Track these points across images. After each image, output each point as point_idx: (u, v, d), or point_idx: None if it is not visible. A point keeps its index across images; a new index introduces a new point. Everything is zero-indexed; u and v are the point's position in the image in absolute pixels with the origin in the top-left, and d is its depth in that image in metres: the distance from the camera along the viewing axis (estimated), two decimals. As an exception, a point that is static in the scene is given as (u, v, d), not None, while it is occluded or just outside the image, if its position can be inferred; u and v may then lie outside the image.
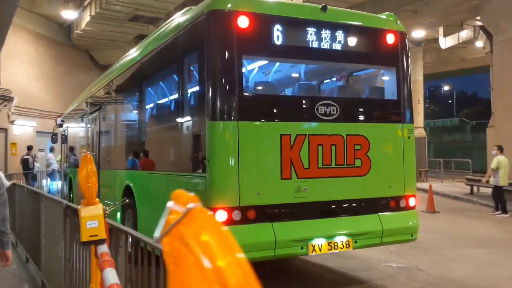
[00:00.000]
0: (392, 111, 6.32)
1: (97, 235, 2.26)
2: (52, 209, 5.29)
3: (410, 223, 6.25)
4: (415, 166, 6.42)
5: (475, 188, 19.66)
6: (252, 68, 6.83)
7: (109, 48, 27.72)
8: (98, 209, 2.29)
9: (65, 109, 17.53)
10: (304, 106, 5.82)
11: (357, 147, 5.90)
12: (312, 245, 5.56)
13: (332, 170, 5.77)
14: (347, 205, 5.91)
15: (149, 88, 8.27)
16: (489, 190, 18.62)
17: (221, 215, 5.17)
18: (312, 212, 5.70)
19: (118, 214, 8.69)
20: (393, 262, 7.75)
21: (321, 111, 5.71)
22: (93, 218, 2.23)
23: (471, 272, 7.16)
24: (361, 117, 6.12)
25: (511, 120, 16.67)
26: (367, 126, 6.06)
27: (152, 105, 8.13)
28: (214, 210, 5.16)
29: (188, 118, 6.11)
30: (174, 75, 6.56)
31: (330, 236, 5.66)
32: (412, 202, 6.30)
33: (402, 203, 6.23)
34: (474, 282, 6.63)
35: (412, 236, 6.30)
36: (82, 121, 13.17)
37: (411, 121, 6.35)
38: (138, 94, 8.04)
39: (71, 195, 14.23)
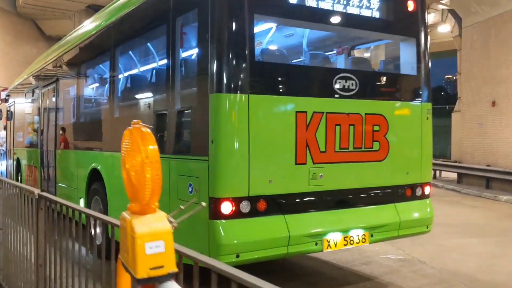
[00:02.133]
0: (411, 87, 5.63)
1: (162, 267, 1.35)
2: (14, 198, 4.23)
3: (426, 214, 5.64)
4: (432, 150, 5.78)
5: (437, 173, 19.74)
6: (264, 30, 5.90)
7: (57, 18, 25.61)
8: (161, 220, 1.40)
9: (11, 83, 15.84)
10: (322, 79, 5.00)
11: (376, 128, 5.17)
12: (327, 240, 4.81)
13: (349, 154, 5.01)
14: (363, 194, 5.20)
15: (127, 55, 7.16)
16: (451, 175, 18.73)
17: (227, 207, 4.31)
18: (327, 202, 4.95)
19: (82, 201, 7.61)
20: (390, 253, 7.18)
21: (340, 85, 4.92)
22: (155, 237, 1.34)
23: (476, 265, 6.69)
24: (380, 94, 5.38)
25: (479, 105, 16.62)
26: (386, 105, 5.33)
27: (132, 75, 7.04)
28: (218, 201, 4.30)
29: (181, 89, 5.15)
30: (162, 38, 5.54)
31: (345, 229, 4.94)
32: (427, 190, 5.67)
33: (418, 192, 5.59)
34: (485, 276, 6.14)
35: (427, 227, 5.69)
36: (33, 95, 11.74)
37: (430, 99, 5.69)
38: (111, 62, 6.92)
39: (20, 178, 12.81)
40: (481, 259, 7.02)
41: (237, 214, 4.36)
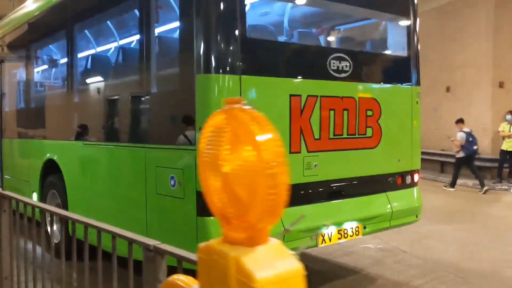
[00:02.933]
0: (402, 70, 5.32)
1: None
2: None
3: (416, 202, 5.39)
4: (420, 136, 5.53)
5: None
6: (254, 2, 5.37)
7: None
8: (283, 254, 0.89)
9: None
10: (316, 59, 4.57)
11: (369, 112, 4.83)
12: (321, 234, 4.44)
13: (342, 141, 4.65)
14: (356, 183, 4.86)
15: (91, 31, 6.43)
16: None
17: (218, 202, 3.82)
18: (322, 194, 4.57)
19: (35, 195, 6.88)
20: (369, 243, 6.94)
21: (334, 66, 4.52)
22: (283, 284, 0.84)
23: (457, 253, 6.57)
24: (373, 76, 5.03)
25: (435, 91, 16.82)
26: (378, 88, 5.00)
27: (95, 55, 6.33)
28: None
29: (159, 71, 4.58)
30: (133, 12, 4.93)
31: (339, 222, 4.59)
32: (416, 177, 5.42)
33: (408, 179, 5.32)
34: (470, 265, 6.01)
35: (417, 217, 5.45)
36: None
37: (419, 82, 5.41)
38: (70, 40, 6.18)
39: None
40: (459, 246, 6.92)
41: (228, 209, 3.90)
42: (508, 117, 13.31)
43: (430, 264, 6.00)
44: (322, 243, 4.46)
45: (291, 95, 4.21)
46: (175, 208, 4.18)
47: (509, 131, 13.23)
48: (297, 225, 4.25)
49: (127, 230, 4.19)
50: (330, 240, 4.52)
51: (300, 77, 4.33)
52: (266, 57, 4.20)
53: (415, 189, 5.42)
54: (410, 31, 5.31)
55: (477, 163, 14.31)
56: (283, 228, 4.08)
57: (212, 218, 3.82)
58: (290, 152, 4.23)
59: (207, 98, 3.82)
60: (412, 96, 5.29)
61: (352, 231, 4.68)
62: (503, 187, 13.04)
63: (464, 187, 13.32)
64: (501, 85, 14.63)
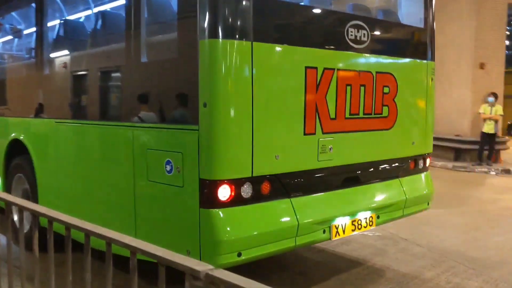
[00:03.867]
0: (418, 42, 4.81)
1: None
2: None
3: (428, 188, 4.96)
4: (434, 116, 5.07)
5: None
6: None
7: None
8: None
9: None
10: (334, 26, 4.00)
11: (386, 89, 4.32)
12: (335, 226, 3.94)
13: (358, 122, 4.13)
14: (371, 169, 4.37)
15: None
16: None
17: (225, 192, 3.27)
18: (336, 180, 4.06)
19: (-2, 180, 6.12)
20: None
21: (351, 35, 3.97)
22: None
23: (460, 240, 6.24)
24: (390, 49, 4.50)
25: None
26: (395, 62, 4.49)
27: (69, 19, 5.56)
28: (214, 184, 3.24)
29: (151, 36, 3.92)
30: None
31: (354, 212, 4.11)
32: (427, 162, 4.99)
33: (421, 164, 4.88)
34: (477, 253, 5.67)
35: (428, 204, 5.03)
36: None
37: (433, 57, 4.93)
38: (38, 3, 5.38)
39: None
40: (460, 233, 6.59)
41: (237, 200, 3.34)
42: (490, 98, 13.14)
43: (436, 254, 5.62)
44: (336, 236, 3.97)
45: (306, 68, 3.64)
46: (171, 198, 3.59)
47: (490, 113, 13.08)
48: (309, 216, 3.75)
49: (110, 223, 3.60)
50: (344, 232, 4.03)
51: (317, 47, 3.75)
52: (283, 21, 3.59)
53: (426, 174, 4.99)
54: (428, 1, 4.79)
55: (457, 145, 14.19)
56: (297, 222, 3.56)
57: (218, 210, 3.26)
58: (305, 134, 3.69)
59: (213, 68, 3.21)
60: (428, 72, 4.81)
61: (366, 222, 4.21)
62: (483, 169, 12.93)
63: (443, 169, 13.16)
64: (481, 66, 14.43)
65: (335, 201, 4.02)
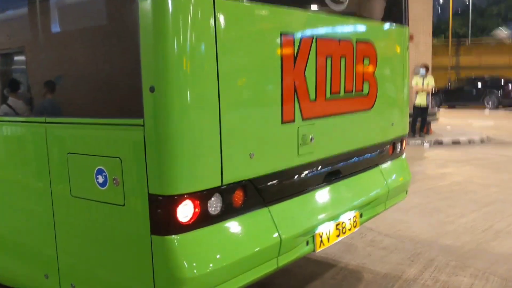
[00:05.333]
0: (395, 3, 4.06)
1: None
2: None
3: (406, 175, 4.33)
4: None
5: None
6: None
7: None
8: None
9: None
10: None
11: (366, 61, 3.55)
12: (319, 235, 3.15)
13: (340, 102, 3.34)
14: (353, 159, 3.61)
15: None
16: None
17: (186, 211, 2.35)
18: (317, 177, 3.25)
19: None
20: (324, 220, 5.84)
21: (330, -7, 3.13)
22: None
23: (427, 226, 5.73)
24: (368, 11, 3.73)
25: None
26: (374, 27, 3.72)
27: None
28: (169, 202, 2.31)
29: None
30: None
31: (337, 214, 3.33)
32: (404, 144, 4.34)
33: (398, 147, 4.22)
34: (450, 241, 5.18)
35: (406, 193, 4.40)
36: None
37: (408, 22, 4.23)
38: None
39: None
40: (423, 216, 6.10)
41: (202, 219, 2.42)
42: (422, 71, 13.00)
43: (408, 245, 5.05)
44: (320, 246, 3.18)
45: (282, 34, 2.75)
46: (107, 222, 2.59)
47: (423, 85, 12.96)
48: (292, 228, 2.93)
49: (20, 266, 2.57)
50: (328, 240, 3.26)
51: (294, 6, 2.86)
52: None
53: (403, 158, 4.35)
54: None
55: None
56: (279, 238, 2.71)
57: (177, 236, 2.33)
58: (283, 122, 2.82)
59: (161, 36, 2.23)
60: (404, 40, 4.11)
61: (350, 224, 3.46)
62: (417, 141, 12.85)
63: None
64: (410, 38, 14.30)
65: (317, 203, 3.22)
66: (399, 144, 4.21)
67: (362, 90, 3.54)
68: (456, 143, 12.81)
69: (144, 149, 2.31)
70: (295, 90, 2.86)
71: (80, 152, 2.65)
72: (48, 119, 2.84)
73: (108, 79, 2.57)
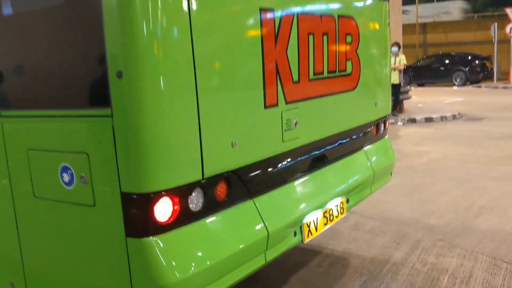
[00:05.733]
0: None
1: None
2: None
3: (391, 156, 4.18)
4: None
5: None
6: None
7: None
8: None
9: None
10: None
11: (348, 39, 3.34)
12: (307, 224, 2.97)
13: (323, 83, 3.13)
14: (338, 143, 3.42)
15: None
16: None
17: (165, 209, 2.12)
18: (302, 164, 3.05)
19: None
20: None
21: (309, -38, 2.90)
22: None
23: (410, 205, 5.64)
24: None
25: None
26: (354, 1, 3.50)
27: None
28: (145, 200, 2.07)
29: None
30: None
31: (324, 202, 3.15)
32: (387, 125, 4.19)
33: (381, 128, 4.06)
34: (435, 220, 5.10)
35: (391, 175, 4.26)
36: None
37: (388, -3, 4.04)
38: None
39: None
40: (404, 195, 6.01)
41: (183, 217, 2.19)
42: (394, 49, 12.93)
43: (393, 226, 4.94)
44: (308, 236, 3.00)
45: (262, 10, 2.50)
46: (76, 224, 2.34)
47: (394, 63, 12.89)
48: (279, 220, 2.73)
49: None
50: (316, 229, 3.08)
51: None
52: None
53: (387, 139, 4.20)
54: None
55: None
56: (266, 231, 2.51)
57: (155, 238, 2.10)
58: (266, 107, 2.59)
59: (129, 12, 1.96)
60: (386, 15, 3.91)
61: (337, 210, 3.29)
62: (390, 120, 12.83)
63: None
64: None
65: (303, 191, 3.02)
66: (383, 124, 4.05)
67: (345, 69, 3.34)
68: (429, 120, 12.85)
69: (114, 142, 2.05)
70: (277, 72, 2.64)
71: (42, 148, 2.37)
72: (4, 112, 2.54)
73: (70, 64, 2.29)
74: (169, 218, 2.13)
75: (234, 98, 2.38)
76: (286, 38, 2.69)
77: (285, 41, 2.69)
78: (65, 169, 2.27)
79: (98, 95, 2.09)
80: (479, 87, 22.57)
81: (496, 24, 23.79)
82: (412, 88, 17.94)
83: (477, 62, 23.70)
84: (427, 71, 24.37)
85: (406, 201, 5.78)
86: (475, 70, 23.56)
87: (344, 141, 3.46)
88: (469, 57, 24.10)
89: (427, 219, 5.12)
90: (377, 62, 3.84)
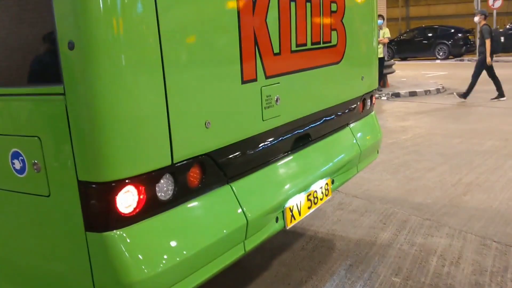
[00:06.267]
0: None
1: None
2: None
3: (377, 133, 3.97)
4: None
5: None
6: None
7: None
8: None
9: None
10: None
11: (333, 6, 3.08)
12: (289, 209, 2.76)
13: (306, 55, 2.87)
14: (322, 120, 3.19)
15: None
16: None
17: (128, 199, 1.87)
18: (284, 144, 2.81)
19: None
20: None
21: None
22: None
23: (395, 182, 5.48)
24: None
25: None
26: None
27: None
28: (107, 189, 1.82)
29: None
30: None
31: (308, 184, 2.93)
32: (373, 99, 3.97)
33: (368, 103, 3.84)
34: (422, 198, 4.95)
35: (378, 152, 4.07)
36: None
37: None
38: None
39: None
40: (390, 173, 5.85)
41: (150, 207, 1.95)
42: (379, 21, 12.63)
43: (378, 205, 4.78)
44: (291, 221, 2.79)
45: (237, -28, 2.22)
46: (29, 216, 2.08)
47: (378, 36, 12.64)
48: (259, 205, 2.50)
49: None
50: (300, 214, 2.87)
51: None
52: None
53: (373, 115, 3.99)
54: None
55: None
56: (245, 219, 2.28)
57: (119, 231, 1.86)
58: (243, 82, 2.33)
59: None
60: (373, -18, 3.65)
61: (322, 193, 3.09)
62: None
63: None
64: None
65: (285, 173, 2.80)
66: (369, 100, 3.83)
67: (330, 40, 3.09)
68: (413, 94, 12.71)
69: (68, 124, 1.79)
70: (255, 42, 2.37)
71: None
72: None
73: (13, 34, 1.99)
74: (134, 209, 1.89)
75: (207, 73, 2.11)
76: (265, 5, 2.42)
77: (264, 8, 2.41)
78: (16, 155, 2.00)
79: (49, 70, 1.80)
80: (462, 60, 22.49)
81: (479, -4, 23.58)
82: (396, 62, 17.75)
83: (459, 35, 23.57)
84: (410, 44, 24.18)
85: (392, 179, 5.62)
86: (457, 44, 23.43)
87: (329, 118, 3.23)
88: (452, 30, 23.95)
89: (413, 197, 4.97)
90: (363, 33, 3.59)
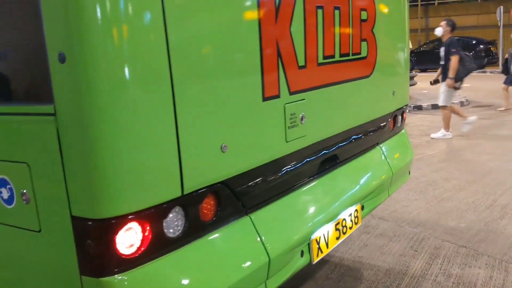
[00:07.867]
0: None
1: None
2: None
3: (409, 152, 3.65)
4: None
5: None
6: None
7: None
8: None
9: None
10: None
11: (363, 15, 2.78)
12: (316, 241, 2.44)
13: (335, 67, 2.58)
14: (351, 139, 2.88)
15: None
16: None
17: (130, 239, 1.57)
18: (310, 167, 2.51)
19: None
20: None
21: None
22: None
23: (423, 204, 5.12)
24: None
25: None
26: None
27: None
28: (106, 227, 1.52)
29: None
30: None
31: (336, 212, 2.62)
32: (404, 116, 3.65)
33: (399, 121, 3.52)
34: (455, 222, 4.58)
35: (409, 173, 3.74)
36: None
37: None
38: None
39: None
40: (420, 194, 5.48)
41: (157, 246, 1.66)
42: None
43: (408, 229, 4.43)
44: (318, 255, 2.47)
45: (258, -25, 1.95)
46: (19, 252, 1.81)
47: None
48: (283, 239, 2.19)
49: None
50: (327, 246, 2.55)
51: None
52: None
53: (404, 133, 3.67)
54: None
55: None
56: (267, 257, 1.97)
57: (118, 277, 1.56)
58: (264, 99, 2.04)
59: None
60: (405, -11, 3.36)
61: (351, 220, 2.76)
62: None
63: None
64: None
65: (310, 201, 2.49)
66: (401, 116, 3.51)
67: (360, 52, 2.79)
68: (435, 107, 12.26)
69: (59, 149, 1.52)
70: (278, 54, 2.09)
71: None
72: None
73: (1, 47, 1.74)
74: (138, 249, 1.60)
75: (224, 90, 1.83)
76: (289, 12, 2.13)
77: (288, 16, 2.13)
78: (3, 183, 1.74)
79: (37, 86, 1.54)
80: (484, 72, 21.95)
81: (501, 7, 23.09)
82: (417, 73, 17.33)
83: (481, 46, 23.05)
84: (430, 56, 23.70)
85: (420, 199, 5.26)
86: (479, 55, 22.90)
87: (358, 137, 2.92)
88: (474, 42, 23.44)
89: (445, 220, 4.60)
90: (395, 43, 3.29)
